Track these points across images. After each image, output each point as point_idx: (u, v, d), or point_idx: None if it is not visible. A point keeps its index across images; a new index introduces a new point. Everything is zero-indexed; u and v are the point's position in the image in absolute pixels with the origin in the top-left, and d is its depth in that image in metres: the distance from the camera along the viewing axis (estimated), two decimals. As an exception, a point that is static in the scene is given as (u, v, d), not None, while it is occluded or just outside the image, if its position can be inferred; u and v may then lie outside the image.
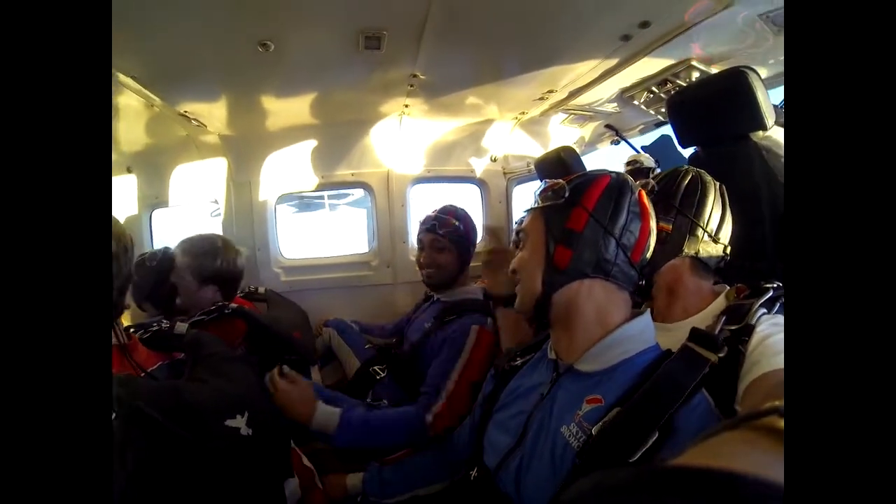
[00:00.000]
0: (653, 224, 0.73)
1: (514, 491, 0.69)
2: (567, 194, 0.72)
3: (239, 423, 0.81)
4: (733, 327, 0.73)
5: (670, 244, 0.86)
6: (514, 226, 2.11)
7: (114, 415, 0.61)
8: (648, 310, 0.75)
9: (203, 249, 1.48)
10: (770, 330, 0.71)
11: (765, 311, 0.74)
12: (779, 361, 0.66)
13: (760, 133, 0.99)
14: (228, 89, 1.52)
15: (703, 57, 1.31)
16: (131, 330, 0.98)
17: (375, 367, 1.57)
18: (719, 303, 0.84)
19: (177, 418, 0.70)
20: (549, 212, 0.73)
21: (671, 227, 0.86)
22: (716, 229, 0.87)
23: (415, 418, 1.21)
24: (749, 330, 0.72)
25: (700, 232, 0.86)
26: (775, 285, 0.78)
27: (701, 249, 0.87)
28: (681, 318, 0.86)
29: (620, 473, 0.21)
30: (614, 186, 0.72)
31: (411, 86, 1.56)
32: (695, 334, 0.66)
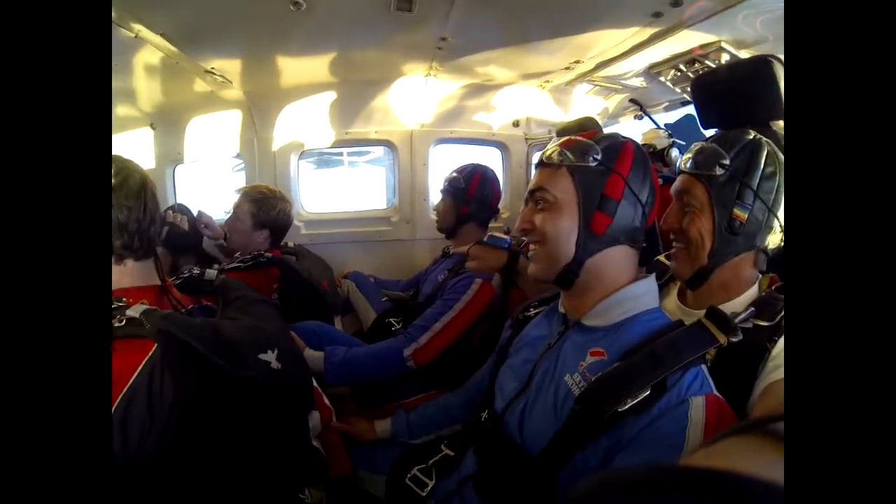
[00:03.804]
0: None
1: (517, 432, 0.75)
2: (600, 156, 0.72)
3: (270, 357, 0.89)
4: (764, 323, 0.69)
5: (742, 236, 0.77)
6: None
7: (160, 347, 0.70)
8: (654, 274, 0.76)
9: (264, 197, 1.65)
10: None
11: None
12: None
13: (781, 123, 1.00)
14: (256, 46, 1.53)
15: (735, 41, 1.29)
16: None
17: (391, 319, 1.64)
18: (752, 292, 0.80)
19: (216, 350, 0.78)
20: (582, 174, 0.72)
21: (747, 216, 0.76)
22: (784, 217, 0.75)
23: (393, 352, 1.29)
24: (781, 330, 0.68)
25: (775, 223, 0.76)
26: None
27: (771, 242, 0.77)
28: (718, 303, 0.77)
29: (629, 471, 0.22)
30: (640, 154, 0.74)
31: (439, 48, 1.56)
32: (711, 312, 0.65)
